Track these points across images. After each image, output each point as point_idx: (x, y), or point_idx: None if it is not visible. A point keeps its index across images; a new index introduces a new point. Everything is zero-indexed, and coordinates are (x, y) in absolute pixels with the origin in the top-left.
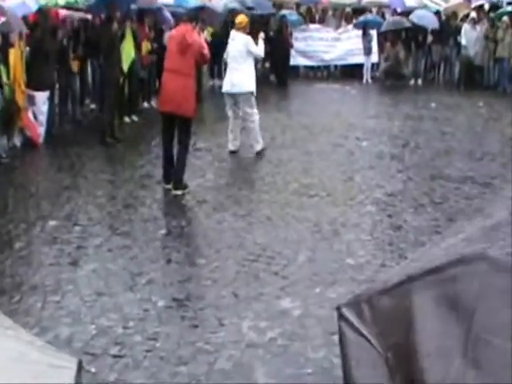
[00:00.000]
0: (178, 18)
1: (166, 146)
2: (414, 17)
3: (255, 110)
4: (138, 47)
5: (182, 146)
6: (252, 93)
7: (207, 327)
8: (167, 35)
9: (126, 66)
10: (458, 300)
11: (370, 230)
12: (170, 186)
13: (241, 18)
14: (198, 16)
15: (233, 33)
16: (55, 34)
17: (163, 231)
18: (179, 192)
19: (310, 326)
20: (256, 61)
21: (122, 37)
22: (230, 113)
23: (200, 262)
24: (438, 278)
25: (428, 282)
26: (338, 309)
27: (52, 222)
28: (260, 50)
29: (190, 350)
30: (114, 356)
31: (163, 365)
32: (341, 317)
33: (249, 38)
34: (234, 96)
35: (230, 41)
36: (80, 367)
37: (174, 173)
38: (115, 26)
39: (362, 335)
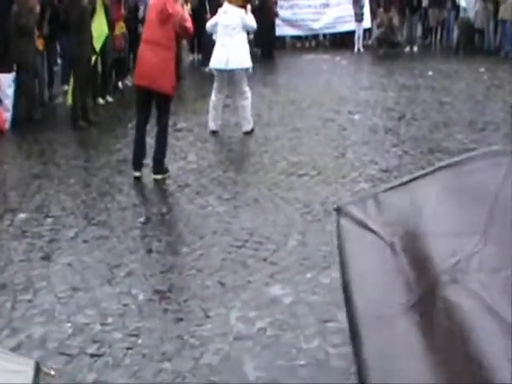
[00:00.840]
0: None
1: (140, 127)
2: None
3: (248, 88)
4: (110, 26)
5: (160, 127)
6: (248, 69)
7: (192, 320)
8: (149, 3)
9: (98, 44)
10: (477, 188)
11: None
12: (139, 174)
13: None
14: None
15: (225, 5)
16: (32, 8)
17: (142, 219)
18: (159, 176)
19: (301, 315)
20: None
21: (93, 12)
22: (215, 89)
23: (183, 251)
24: (454, 171)
25: (444, 175)
26: (338, 208)
27: (21, 215)
28: (252, 20)
29: (174, 345)
30: (92, 355)
31: (146, 362)
32: (342, 213)
33: (242, 12)
34: (229, 73)
35: (221, 13)
36: (38, 369)
37: (153, 156)
38: None
39: (367, 227)
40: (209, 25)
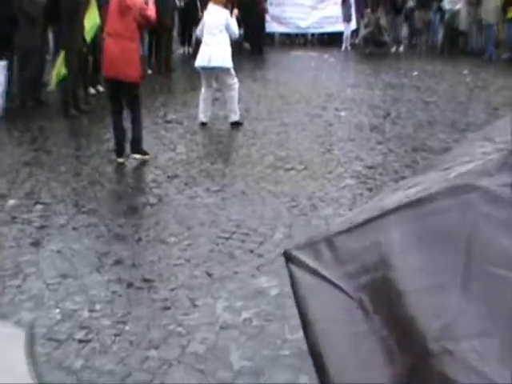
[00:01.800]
0: None
1: (115, 116)
2: None
3: (235, 80)
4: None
5: (133, 116)
6: (230, 68)
7: (179, 309)
8: None
9: (89, 35)
10: (447, 233)
11: (349, 204)
12: (122, 160)
13: None
14: None
15: (210, 6)
16: None
17: (132, 208)
18: (137, 156)
19: (287, 306)
20: None
21: (87, 4)
22: (203, 84)
23: (171, 241)
24: (418, 211)
25: (407, 215)
26: (286, 253)
27: (11, 201)
28: (235, 27)
29: (161, 333)
30: (81, 341)
31: (133, 349)
32: (291, 260)
33: (227, 13)
34: (212, 70)
35: (206, 14)
36: (31, 335)
37: (131, 136)
38: None
39: (324, 278)
40: (198, 30)
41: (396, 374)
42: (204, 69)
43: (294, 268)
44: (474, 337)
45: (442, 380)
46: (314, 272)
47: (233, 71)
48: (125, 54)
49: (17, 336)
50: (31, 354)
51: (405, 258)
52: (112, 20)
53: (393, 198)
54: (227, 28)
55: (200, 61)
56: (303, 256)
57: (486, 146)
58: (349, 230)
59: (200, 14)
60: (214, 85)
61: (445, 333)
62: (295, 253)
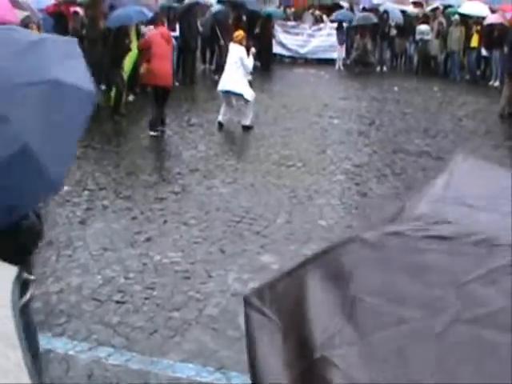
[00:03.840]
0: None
1: (156, 108)
2: (384, 7)
3: (250, 96)
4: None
5: (163, 106)
6: (242, 94)
7: (197, 278)
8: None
9: (130, 63)
10: (338, 272)
11: (339, 196)
12: (154, 133)
13: (238, 33)
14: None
15: (231, 43)
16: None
17: (160, 196)
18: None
19: None
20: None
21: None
22: (224, 103)
23: (191, 223)
24: (325, 257)
25: (316, 263)
26: (244, 298)
27: (65, 187)
28: (249, 63)
29: (182, 298)
30: (117, 302)
31: (159, 310)
32: (247, 304)
33: (243, 51)
34: (227, 93)
35: (229, 50)
36: (20, 272)
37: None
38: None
39: (264, 314)
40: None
41: (293, 377)
42: (221, 92)
43: (247, 309)
44: (341, 345)
45: (320, 379)
46: (259, 310)
47: (247, 90)
48: (168, 69)
49: (9, 270)
50: (15, 295)
51: (311, 294)
52: (160, 46)
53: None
54: (242, 62)
55: (220, 86)
56: (254, 299)
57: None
58: (283, 276)
59: (219, 39)
60: (234, 103)
61: (325, 344)
62: (249, 296)
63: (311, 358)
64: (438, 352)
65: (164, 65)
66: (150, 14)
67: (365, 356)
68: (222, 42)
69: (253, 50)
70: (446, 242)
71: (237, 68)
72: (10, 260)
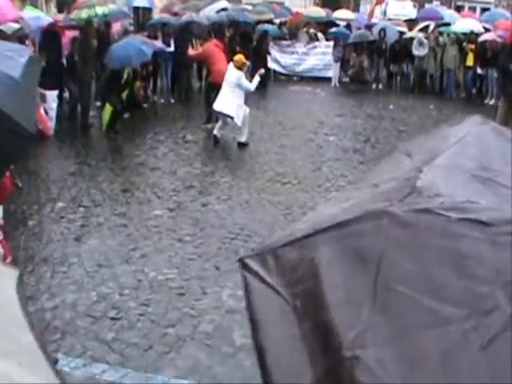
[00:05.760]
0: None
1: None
2: (379, 27)
3: (240, 117)
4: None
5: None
6: (232, 117)
7: (192, 295)
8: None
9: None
10: (363, 253)
11: None
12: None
13: (238, 57)
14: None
15: (230, 66)
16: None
17: (155, 212)
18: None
19: None
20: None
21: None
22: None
23: (186, 239)
24: (342, 232)
25: (333, 236)
26: (241, 260)
27: (60, 204)
28: (252, 84)
29: (177, 314)
30: (112, 318)
31: (154, 327)
32: (244, 267)
33: (241, 74)
34: (219, 113)
35: (227, 72)
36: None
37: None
38: None
39: (268, 284)
40: None
41: (316, 374)
42: (215, 111)
43: (246, 273)
44: (376, 345)
45: (350, 381)
46: (261, 278)
47: (238, 113)
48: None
49: (10, 274)
50: (20, 290)
51: (329, 274)
52: (218, 53)
53: (330, 210)
54: (239, 86)
55: (214, 105)
56: (253, 263)
57: (406, 163)
58: (290, 244)
59: None
60: (229, 121)
61: (355, 341)
62: (247, 260)
63: (339, 355)
64: (487, 363)
65: (225, 66)
66: (151, 51)
67: (403, 360)
68: None
69: (261, 71)
70: (485, 228)
71: (231, 90)
72: None
